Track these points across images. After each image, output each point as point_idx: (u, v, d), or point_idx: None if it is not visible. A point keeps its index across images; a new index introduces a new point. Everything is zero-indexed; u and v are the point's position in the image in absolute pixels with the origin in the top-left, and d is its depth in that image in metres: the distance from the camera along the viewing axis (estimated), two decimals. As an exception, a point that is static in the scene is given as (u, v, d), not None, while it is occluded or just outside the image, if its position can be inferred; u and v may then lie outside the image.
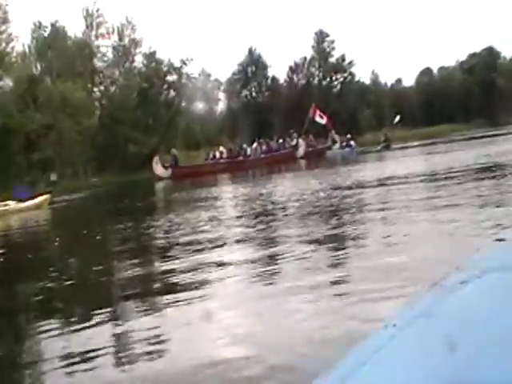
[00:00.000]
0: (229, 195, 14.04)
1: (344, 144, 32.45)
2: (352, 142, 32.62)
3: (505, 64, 77.06)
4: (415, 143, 32.31)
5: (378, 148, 31.87)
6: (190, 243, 6.47)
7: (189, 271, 4.89)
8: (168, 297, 4.14)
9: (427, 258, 4.05)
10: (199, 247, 6.14)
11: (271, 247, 5.65)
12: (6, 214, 16.99)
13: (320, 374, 0.84)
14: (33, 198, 19.19)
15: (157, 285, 4.81)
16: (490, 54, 75.67)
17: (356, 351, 0.88)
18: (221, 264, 5.06)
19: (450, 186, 8.20)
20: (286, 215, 7.96)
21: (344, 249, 5.05)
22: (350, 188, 10.23)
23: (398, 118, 37.51)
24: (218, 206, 11.01)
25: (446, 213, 5.80)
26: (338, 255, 4.74)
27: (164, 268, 5.34)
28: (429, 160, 16.43)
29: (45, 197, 19.06)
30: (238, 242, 6.23)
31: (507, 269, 0.95)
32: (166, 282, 4.76)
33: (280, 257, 5.00)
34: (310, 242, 5.46)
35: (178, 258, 5.66)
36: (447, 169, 10.94)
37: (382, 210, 6.78)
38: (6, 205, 17.96)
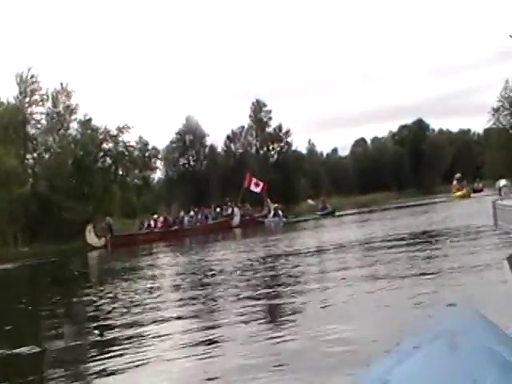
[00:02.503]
0: (163, 265, 13.67)
1: (272, 213, 32.47)
2: (279, 212, 32.66)
3: (433, 136, 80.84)
4: (351, 211, 32.87)
5: (318, 214, 32.18)
6: (122, 315, 6.12)
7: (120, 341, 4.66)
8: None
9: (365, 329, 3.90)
10: (131, 320, 5.82)
11: (208, 320, 5.39)
12: None
13: None
14: None
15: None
16: (420, 125, 79.35)
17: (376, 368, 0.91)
18: (155, 336, 4.85)
19: (384, 254, 8.17)
20: (221, 285, 7.71)
21: (279, 322, 4.84)
22: (283, 256, 10.10)
23: (458, 175, 34.10)
24: (152, 276, 10.61)
25: (379, 281, 5.70)
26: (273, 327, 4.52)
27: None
28: (364, 227, 16.58)
29: None
30: (173, 316, 5.95)
31: (457, 334, 0.96)
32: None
33: (215, 329, 4.80)
34: (245, 314, 5.25)
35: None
36: (383, 236, 11.00)
37: (316, 280, 6.65)
38: None
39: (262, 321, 4.87)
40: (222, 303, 6.08)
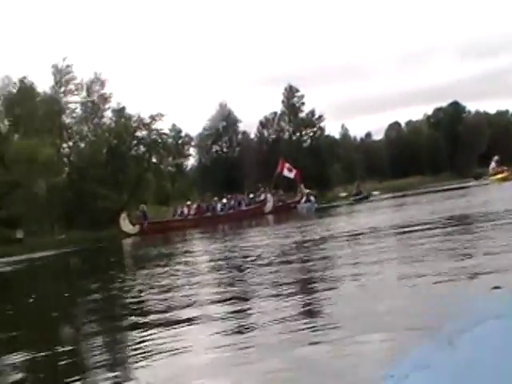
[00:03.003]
0: (198, 251, 13.67)
1: (304, 199, 32.20)
2: (312, 197, 32.38)
3: (469, 118, 79.20)
4: (386, 195, 32.41)
5: (352, 199, 31.89)
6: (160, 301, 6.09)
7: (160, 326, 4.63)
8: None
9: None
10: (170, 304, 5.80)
11: (245, 303, 5.28)
12: None
13: None
14: None
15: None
16: (455, 108, 77.82)
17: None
18: (192, 320, 4.80)
19: (422, 238, 7.93)
20: (257, 270, 7.57)
21: (318, 302, 4.69)
22: (317, 241, 9.92)
23: (496, 157, 32.66)
24: (187, 262, 10.55)
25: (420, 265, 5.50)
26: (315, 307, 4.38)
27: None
28: (400, 212, 16.24)
29: None
30: (210, 299, 5.89)
31: (503, 317, 0.87)
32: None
33: (253, 311, 4.73)
34: (283, 295, 5.16)
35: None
36: (420, 220, 10.72)
37: (354, 264, 6.44)
38: None
39: (298, 307, 4.72)
40: (258, 288, 5.95)
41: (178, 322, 4.83)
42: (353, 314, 4.07)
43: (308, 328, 3.84)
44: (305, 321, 4.11)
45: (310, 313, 4.48)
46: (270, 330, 4.03)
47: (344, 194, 37.56)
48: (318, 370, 3.02)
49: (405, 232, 9.27)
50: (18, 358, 4.44)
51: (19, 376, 3.98)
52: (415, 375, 0.80)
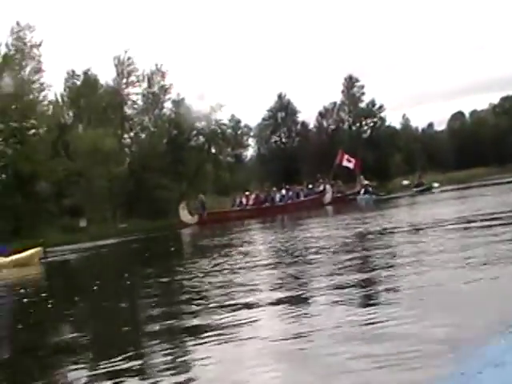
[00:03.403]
0: (256, 241, 13.59)
1: (363, 190, 31.55)
2: (370, 189, 31.72)
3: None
4: (449, 187, 31.47)
5: (414, 190, 31.05)
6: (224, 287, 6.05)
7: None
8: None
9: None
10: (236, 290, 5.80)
11: (307, 292, 5.15)
12: None
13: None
14: (17, 252, 16.02)
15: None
16: (524, 97, 74.83)
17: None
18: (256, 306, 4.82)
19: (488, 233, 7.55)
20: (319, 261, 7.40)
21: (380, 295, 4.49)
22: (380, 234, 9.63)
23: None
24: (246, 252, 10.48)
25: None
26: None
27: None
28: (463, 204, 15.67)
29: (34, 250, 15.97)
30: (272, 287, 5.88)
31: None
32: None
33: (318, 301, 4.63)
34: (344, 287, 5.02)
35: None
36: (485, 214, 10.27)
37: (415, 261, 6.16)
38: None
39: (359, 302, 4.54)
40: (320, 281, 5.79)
41: (239, 309, 4.82)
42: (421, 309, 3.86)
43: (370, 318, 3.67)
44: (367, 311, 3.95)
45: (374, 303, 4.32)
46: (332, 320, 3.87)
47: (406, 182, 36.55)
48: (383, 364, 2.85)
49: (468, 228, 8.85)
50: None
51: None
52: (486, 373, 0.69)
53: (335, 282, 5.44)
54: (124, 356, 3.93)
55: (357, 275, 5.78)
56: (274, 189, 32.60)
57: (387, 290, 4.75)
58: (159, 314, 5.38)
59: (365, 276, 5.71)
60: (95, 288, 8.22)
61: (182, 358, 3.66)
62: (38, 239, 31.89)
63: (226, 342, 3.78)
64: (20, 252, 16.01)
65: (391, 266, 5.92)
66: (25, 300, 7.90)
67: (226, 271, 7.66)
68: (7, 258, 15.59)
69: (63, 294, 8.79)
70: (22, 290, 9.16)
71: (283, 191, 32.08)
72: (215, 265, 8.71)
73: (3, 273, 13.90)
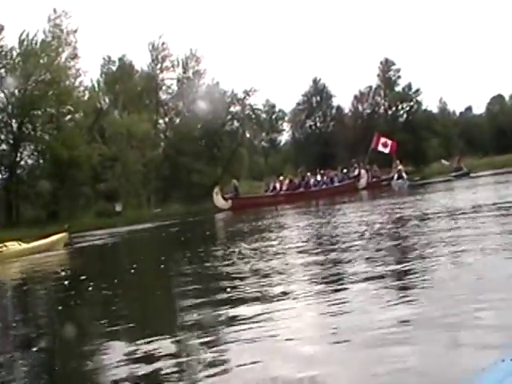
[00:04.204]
0: (291, 227, 13.43)
1: (396, 176, 31.10)
2: (403, 174, 31.27)
3: None
4: (488, 172, 30.73)
5: (452, 175, 30.35)
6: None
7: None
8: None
9: None
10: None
11: (336, 290, 5.01)
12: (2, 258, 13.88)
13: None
14: (42, 237, 15.67)
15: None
16: None
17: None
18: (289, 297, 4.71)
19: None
20: (353, 248, 7.22)
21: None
22: (413, 220, 9.39)
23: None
24: (281, 237, 10.35)
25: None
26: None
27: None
28: (504, 190, 15.20)
29: (60, 236, 15.66)
30: (306, 275, 5.75)
31: None
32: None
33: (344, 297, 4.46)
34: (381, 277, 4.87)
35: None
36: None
37: (452, 250, 5.92)
38: (3, 246, 14.56)
39: (396, 289, 4.38)
40: (353, 268, 5.63)
41: (273, 297, 4.72)
42: (447, 302, 3.67)
43: (396, 317, 3.50)
44: (398, 305, 3.79)
45: (405, 294, 4.14)
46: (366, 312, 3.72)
47: (446, 162, 35.65)
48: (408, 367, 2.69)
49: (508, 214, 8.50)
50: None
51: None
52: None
53: (372, 272, 5.26)
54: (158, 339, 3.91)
55: (395, 265, 5.60)
56: (308, 174, 32.35)
57: (420, 279, 4.57)
58: (195, 302, 5.30)
59: (399, 263, 5.55)
60: (133, 271, 8.22)
61: (213, 349, 3.56)
62: (74, 223, 32.52)
63: (258, 336, 3.63)
64: (46, 237, 15.66)
65: (416, 252, 5.75)
66: (66, 282, 7.89)
67: (260, 257, 7.57)
68: (30, 243, 15.18)
69: (101, 278, 8.83)
70: (63, 273, 9.26)
71: (318, 176, 31.85)
72: (250, 249, 8.65)
73: (28, 258, 13.77)
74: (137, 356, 3.60)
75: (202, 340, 3.75)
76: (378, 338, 3.13)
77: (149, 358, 3.48)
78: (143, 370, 3.32)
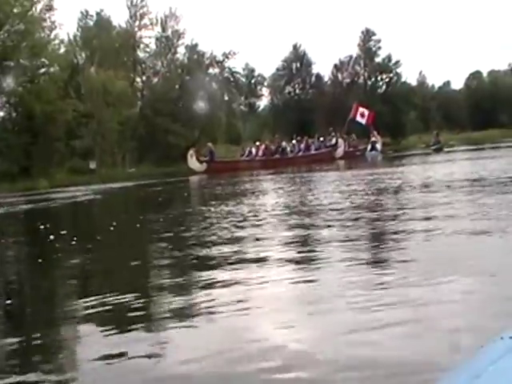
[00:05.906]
0: (266, 192, 13.40)
1: (369, 147, 31.29)
2: (377, 145, 31.46)
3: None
4: (464, 147, 30.97)
5: (431, 149, 30.54)
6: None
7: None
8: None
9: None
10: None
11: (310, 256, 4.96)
12: None
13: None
14: None
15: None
16: (545, 58, 73.00)
17: (470, 364, 0.83)
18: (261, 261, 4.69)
19: (502, 196, 7.28)
20: (326, 216, 7.18)
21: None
22: (394, 192, 9.39)
23: None
24: (252, 203, 10.26)
25: None
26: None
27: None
28: (478, 166, 15.28)
29: None
30: (281, 242, 5.67)
31: None
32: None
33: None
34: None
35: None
36: (499, 176, 9.98)
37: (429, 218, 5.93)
38: None
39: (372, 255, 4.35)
40: (328, 234, 5.60)
41: (248, 262, 4.68)
42: (431, 273, 3.63)
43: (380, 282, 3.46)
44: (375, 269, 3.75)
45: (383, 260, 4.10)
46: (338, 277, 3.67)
47: (423, 145, 35.82)
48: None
49: (479, 191, 8.51)
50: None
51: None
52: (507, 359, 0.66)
53: (347, 239, 5.22)
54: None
55: (366, 234, 5.59)
56: (284, 143, 32.11)
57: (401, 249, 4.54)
58: (170, 262, 5.29)
59: (372, 234, 5.55)
60: (112, 229, 8.14)
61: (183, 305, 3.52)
62: (48, 179, 32.07)
63: (228, 300, 3.57)
64: None
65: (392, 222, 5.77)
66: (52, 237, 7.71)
67: (234, 221, 7.48)
68: None
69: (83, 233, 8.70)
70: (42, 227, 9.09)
71: (294, 142, 31.79)
72: (225, 212, 8.61)
73: None
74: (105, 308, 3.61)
75: (169, 300, 3.75)
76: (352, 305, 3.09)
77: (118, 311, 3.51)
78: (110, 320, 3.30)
